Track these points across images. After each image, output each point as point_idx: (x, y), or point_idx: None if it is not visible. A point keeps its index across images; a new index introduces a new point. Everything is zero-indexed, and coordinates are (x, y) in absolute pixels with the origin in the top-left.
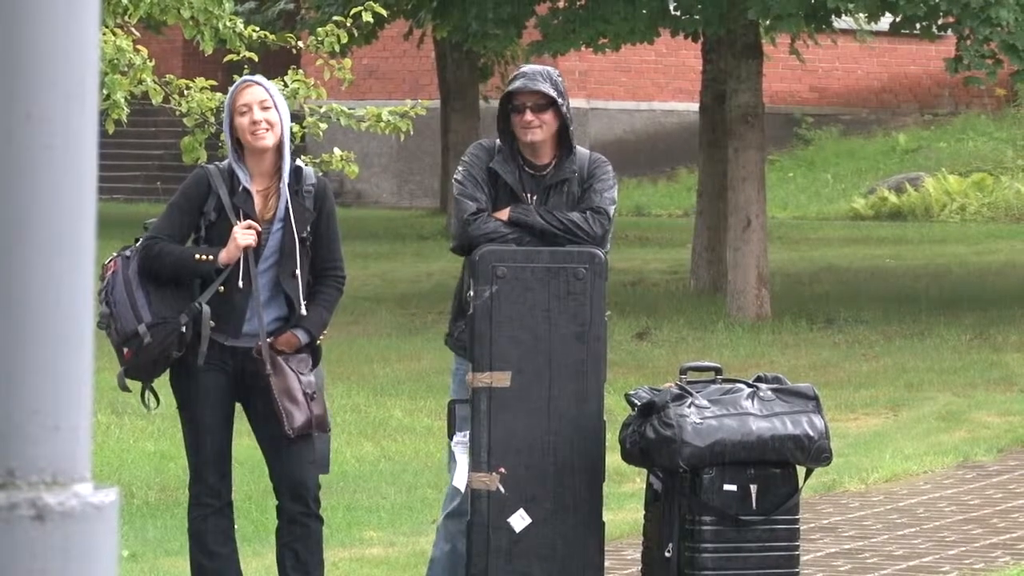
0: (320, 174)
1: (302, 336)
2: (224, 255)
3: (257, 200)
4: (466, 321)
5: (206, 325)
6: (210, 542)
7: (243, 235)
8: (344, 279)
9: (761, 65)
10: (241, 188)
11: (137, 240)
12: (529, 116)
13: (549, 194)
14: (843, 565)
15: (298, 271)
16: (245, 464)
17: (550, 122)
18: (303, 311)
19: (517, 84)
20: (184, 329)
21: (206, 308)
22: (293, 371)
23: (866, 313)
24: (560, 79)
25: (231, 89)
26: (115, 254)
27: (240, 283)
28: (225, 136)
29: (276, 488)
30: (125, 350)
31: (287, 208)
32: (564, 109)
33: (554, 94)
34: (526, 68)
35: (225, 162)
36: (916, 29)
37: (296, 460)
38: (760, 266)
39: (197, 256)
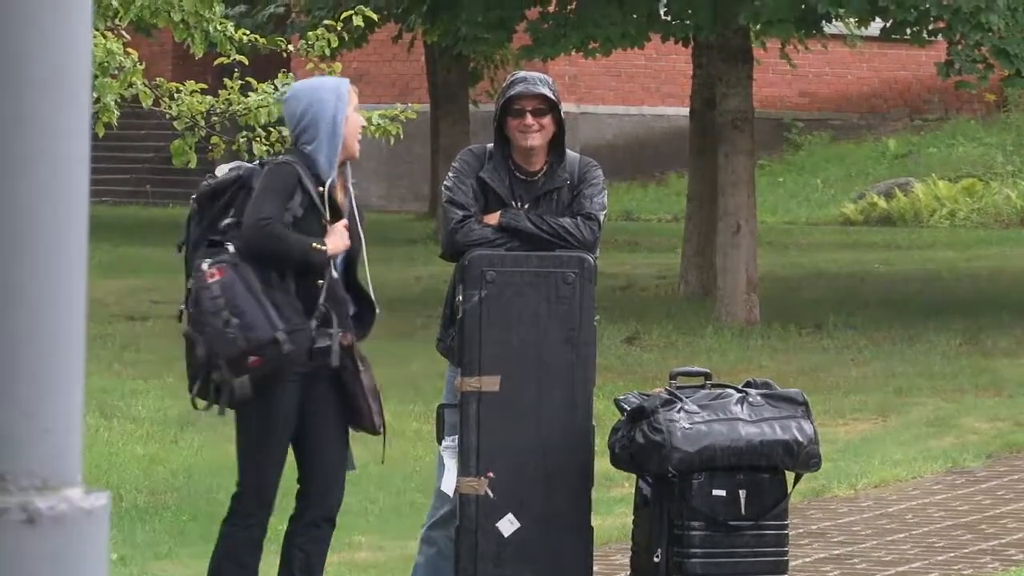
0: None
1: (356, 338)
2: (331, 247)
3: (339, 197)
4: (456, 326)
5: (336, 326)
6: (244, 553)
7: (343, 234)
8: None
9: (751, 70)
10: (329, 183)
11: (213, 244)
12: (530, 120)
13: (539, 202)
14: (832, 571)
15: (366, 268)
16: None
17: (549, 127)
18: (376, 308)
19: (518, 88)
20: (313, 335)
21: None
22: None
23: (855, 318)
24: (556, 86)
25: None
26: (209, 260)
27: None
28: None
29: (305, 489)
30: (251, 358)
31: (352, 206)
32: (562, 115)
33: (554, 99)
34: (523, 74)
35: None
36: (907, 34)
37: (336, 463)
38: (749, 271)
39: (314, 245)
